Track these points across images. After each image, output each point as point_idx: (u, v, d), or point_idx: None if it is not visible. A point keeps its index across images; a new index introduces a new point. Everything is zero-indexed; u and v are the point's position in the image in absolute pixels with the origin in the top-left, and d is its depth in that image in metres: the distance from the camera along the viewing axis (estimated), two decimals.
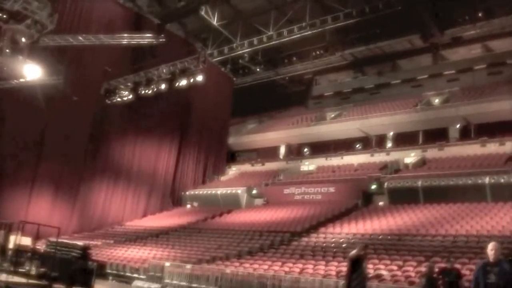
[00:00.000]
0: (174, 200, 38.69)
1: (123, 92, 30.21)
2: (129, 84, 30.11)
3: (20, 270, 14.00)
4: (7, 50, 17.48)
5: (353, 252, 8.51)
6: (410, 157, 33.00)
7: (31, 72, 20.92)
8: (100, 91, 30.82)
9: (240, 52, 40.10)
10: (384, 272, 10.28)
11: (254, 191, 35.16)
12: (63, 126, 30.76)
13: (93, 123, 33.22)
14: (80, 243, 18.34)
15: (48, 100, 29.05)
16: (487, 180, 24.83)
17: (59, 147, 30.91)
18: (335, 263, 18.49)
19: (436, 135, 33.86)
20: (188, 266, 20.23)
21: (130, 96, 30.13)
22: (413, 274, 16.14)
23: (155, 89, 28.87)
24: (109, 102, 30.84)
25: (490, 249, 7.65)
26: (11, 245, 15.08)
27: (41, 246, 19.67)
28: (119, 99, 30.53)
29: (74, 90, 29.16)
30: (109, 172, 34.49)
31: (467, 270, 14.93)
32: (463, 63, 37.77)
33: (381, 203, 28.52)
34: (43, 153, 30.54)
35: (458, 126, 33.51)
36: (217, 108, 41.74)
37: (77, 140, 32.13)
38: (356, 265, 8.42)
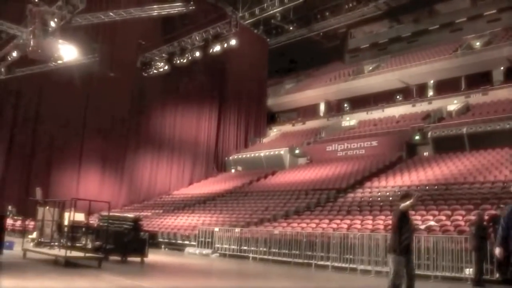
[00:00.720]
0: (218, 165, 39.22)
1: (159, 64, 30.50)
2: (163, 55, 30.33)
3: (77, 244, 14.59)
4: (40, 33, 17.76)
5: (407, 203, 8.24)
6: (453, 104, 32.31)
7: (67, 53, 21.32)
8: (136, 65, 31.23)
9: (271, 11, 39.64)
10: (432, 223, 10.14)
11: (297, 151, 35.25)
12: (104, 102, 31.45)
13: (133, 97, 33.81)
14: (131, 215, 18.91)
15: (87, 79, 29.65)
16: None
17: (102, 124, 31.75)
18: (383, 217, 18.51)
19: (479, 80, 32.95)
20: (237, 230, 20.63)
21: (166, 67, 30.40)
22: (462, 223, 16.02)
23: (190, 58, 29.01)
24: (146, 75, 31.24)
25: None
26: (66, 222, 15.68)
27: (94, 221, 20.45)
28: (155, 71, 30.87)
29: (110, 66, 29.61)
30: (152, 144, 35.19)
31: None
32: (504, 1, 36.30)
33: (425, 154, 28.18)
34: (86, 131, 31.43)
35: (502, 68, 32.47)
36: (254, 71, 41.63)
37: (119, 115, 32.90)
38: (405, 217, 8.23)
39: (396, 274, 7.77)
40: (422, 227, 9.91)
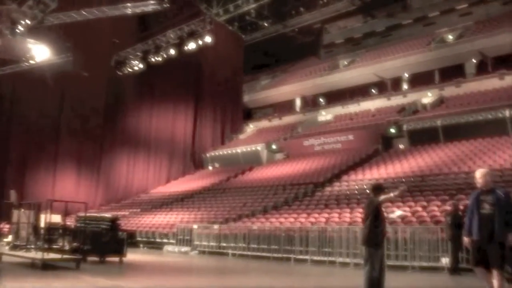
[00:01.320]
0: (196, 163, 39.13)
1: (133, 62, 30.34)
2: (138, 53, 30.19)
3: (54, 246, 14.44)
4: (7, 32, 17.50)
5: (390, 195, 8.25)
6: (427, 97, 32.74)
7: (39, 52, 21.06)
8: (111, 64, 30.98)
9: (246, 8, 39.54)
10: (399, 212, 10.27)
11: (274, 146, 35.37)
12: (78, 102, 31.16)
13: (107, 96, 33.50)
14: (108, 215, 18.78)
15: (61, 79, 29.28)
16: (507, 113, 24.61)
17: (77, 124, 31.48)
18: (360, 210, 18.71)
19: (452, 73, 33.42)
20: (216, 227, 20.69)
21: (141, 66, 30.23)
22: (438, 214, 16.29)
23: (165, 56, 28.91)
24: (120, 73, 31.01)
25: (479, 177, 7.06)
26: (42, 223, 15.50)
27: (71, 222, 20.26)
28: (130, 70, 30.69)
29: (84, 65, 29.26)
30: (128, 143, 34.96)
31: None
32: None
33: (401, 146, 28.54)
34: (61, 131, 31.10)
35: (474, 61, 32.99)
36: (229, 67, 41.59)
37: (93, 115, 32.59)
38: (379, 209, 8.23)
39: (373, 267, 7.86)
40: (392, 215, 10.05)
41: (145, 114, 36.33)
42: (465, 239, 7.19)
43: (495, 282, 6.92)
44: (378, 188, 8.31)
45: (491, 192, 6.94)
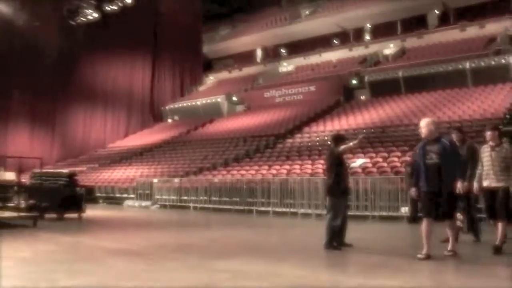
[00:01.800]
0: (155, 116, 38.80)
1: (87, 11, 29.36)
2: (92, 1, 29.20)
3: (9, 205, 14.21)
4: None
5: (350, 144, 8.33)
6: (389, 48, 32.99)
7: None
8: (63, 12, 29.89)
9: None
10: (360, 161, 10.46)
11: (234, 98, 35.32)
12: (29, 54, 30.06)
13: (60, 47, 32.38)
14: (65, 170, 18.56)
15: (9, 30, 28.16)
16: (467, 65, 25.10)
17: (29, 77, 30.42)
18: (322, 161, 19.00)
19: (415, 24, 33.68)
20: (176, 180, 20.76)
21: (95, 15, 29.30)
22: (398, 164, 16.70)
23: (120, 4, 28.08)
24: (73, 23, 30.00)
25: (422, 127, 7.00)
26: None
27: (26, 179, 19.92)
28: (83, 19, 29.72)
29: (34, 15, 28.19)
30: (84, 96, 34.24)
31: None
32: None
33: (363, 98, 28.90)
34: (12, 85, 30.06)
35: (436, 12, 33.24)
36: (187, 17, 40.68)
37: (46, 67, 31.51)
38: (341, 159, 8.33)
39: (335, 216, 8.04)
40: (354, 165, 10.21)
41: (101, 66, 35.48)
42: (412, 190, 7.30)
43: (449, 231, 7.19)
44: (338, 138, 8.38)
45: (437, 142, 6.92)
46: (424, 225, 6.96)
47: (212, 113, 34.97)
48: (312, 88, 31.05)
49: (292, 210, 16.06)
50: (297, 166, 19.32)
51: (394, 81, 27.31)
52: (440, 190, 6.81)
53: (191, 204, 19.44)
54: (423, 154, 6.96)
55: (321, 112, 27.99)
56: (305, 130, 25.42)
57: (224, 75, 42.69)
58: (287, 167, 19.63)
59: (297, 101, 31.32)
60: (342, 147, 8.08)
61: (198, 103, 36.63)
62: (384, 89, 27.36)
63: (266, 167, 20.45)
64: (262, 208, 17.02)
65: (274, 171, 19.42)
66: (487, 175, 7.58)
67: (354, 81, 29.28)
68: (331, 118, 26.23)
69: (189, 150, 27.92)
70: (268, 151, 23.67)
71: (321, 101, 29.45)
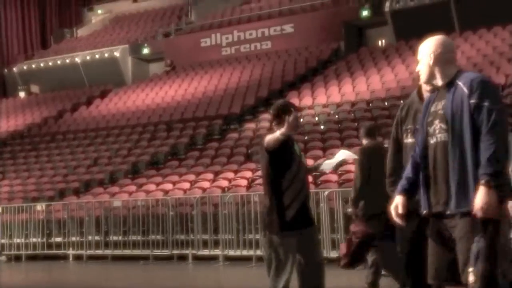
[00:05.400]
0: None
1: None
2: None
3: None
4: None
5: (275, 134, 8.00)
6: None
7: None
8: None
9: None
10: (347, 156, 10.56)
11: (146, 50, 35.22)
12: None
13: None
14: None
15: None
16: None
17: None
18: (312, 161, 18.99)
19: None
20: (40, 208, 20.43)
21: None
22: None
23: None
24: None
25: (420, 58, 6.65)
26: None
27: None
28: None
29: None
30: None
31: None
32: None
33: (382, 42, 29.20)
34: None
35: None
36: None
37: None
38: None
39: (278, 271, 8.04)
40: (326, 165, 10.13)
41: None
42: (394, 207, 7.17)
43: None
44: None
45: (449, 90, 6.58)
46: None
47: (105, 79, 34.68)
48: (289, 28, 31.10)
49: (258, 252, 15.84)
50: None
51: (438, 9, 27.45)
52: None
53: (70, 252, 19.07)
54: (424, 125, 5.57)
55: (307, 72, 28.14)
56: None
57: (123, 6, 42.57)
58: (248, 173, 19.52)
59: (262, 52, 31.55)
60: (268, 137, 7.80)
61: (77, 60, 36.18)
62: (419, 25, 27.34)
63: (210, 174, 20.34)
64: (205, 252, 16.87)
65: (225, 182, 19.31)
66: None
67: (365, 12, 29.33)
68: (326, 83, 26.34)
69: (63, 149, 27.61)
70: (213, 146, 23.66)
71: (306, 52, 29.64)
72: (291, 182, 7.52)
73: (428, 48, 5.50)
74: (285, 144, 7.45)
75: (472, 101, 4.97)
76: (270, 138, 7.32)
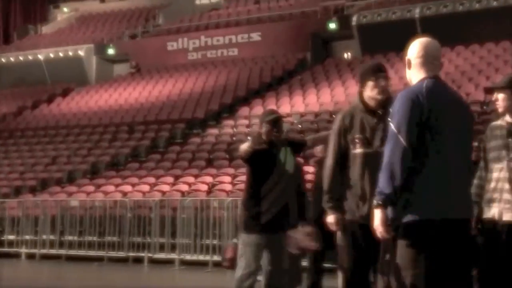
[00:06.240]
0: None
1: None
2: None
3: None
4: None
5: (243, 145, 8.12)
6: None
7: None
8: None
9: None
10: None
11: (111, 50, 35.21)
12: None
13: None
14: None
15: None
16: None
17: None
18: None
19: None
20: None
21: None
22: None
23: None
24: None
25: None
26: None
27: None
28: None
29: None
30: None
31: None
32: None
33: (347, 55, 29.44)
34: None
35: None
36: None
37: None
38: None
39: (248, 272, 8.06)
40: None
41: None
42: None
43: None
44: None
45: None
46: None
47: (68, 77, 34.72)
48: (256, 36, 31.31)
49: (215, 258, 15.88)
50: (227, 178, 19.35)
51: (405, 25, 27.62)
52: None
53: (23, 250, 19.06)
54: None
55: (273, 80, 28.35)
56: (242, 112, 25.71)
57: (90, 5, 42.41)
58: (209, 178, 19.63)
59: (229, 59, 31.71)
60: (244, 145, 7.93)
61: (40, 57, 36.03)
62: (385, 40, 27.53)
63: (171, 178, 20.46)
64: (162, 255, 16.95)
65: (185, 187, 19.41)
66: (494, 192, 5.75)
67: (332, 25, 29.51)
68: (291, 91, 26.60)
69: (21, 146, 27.66)
70: (175, 150, 23.86)
71: (273, 61, 29.84)
72: (270, 190, 7.59)
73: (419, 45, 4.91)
74: (265, 154, 7.58)
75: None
76: (242, 148, 7.50)
